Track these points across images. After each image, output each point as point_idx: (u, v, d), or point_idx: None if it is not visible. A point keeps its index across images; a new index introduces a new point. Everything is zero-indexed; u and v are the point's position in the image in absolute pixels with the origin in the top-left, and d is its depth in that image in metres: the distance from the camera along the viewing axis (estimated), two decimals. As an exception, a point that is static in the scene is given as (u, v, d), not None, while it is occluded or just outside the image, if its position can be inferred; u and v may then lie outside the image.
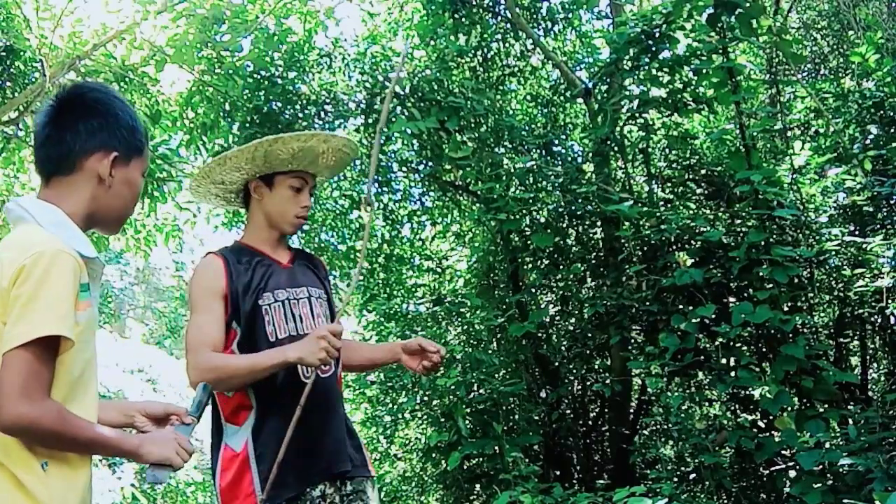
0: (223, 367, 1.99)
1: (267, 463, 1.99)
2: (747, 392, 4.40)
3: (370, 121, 6.05)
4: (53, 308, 1.39)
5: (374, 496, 2.18)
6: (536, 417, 5.57)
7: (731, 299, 4.36)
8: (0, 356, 1.38)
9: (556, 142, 6.19)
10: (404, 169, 6.76)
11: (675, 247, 4.78)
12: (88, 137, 1.55)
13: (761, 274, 3.96)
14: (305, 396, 1.98)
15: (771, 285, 3.93)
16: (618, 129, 5.26)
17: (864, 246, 4.25)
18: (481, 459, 4.87)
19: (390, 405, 7.12)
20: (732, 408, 4.67)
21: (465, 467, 5.01)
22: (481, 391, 4.77)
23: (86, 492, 1.51)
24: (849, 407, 4.16)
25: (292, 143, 2.14)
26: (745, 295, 4.26)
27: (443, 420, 4.84)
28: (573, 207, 5.23)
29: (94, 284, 1.56)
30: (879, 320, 4.76)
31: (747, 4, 4.22)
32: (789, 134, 5.33)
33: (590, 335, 5.61)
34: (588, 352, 5.71)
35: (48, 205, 1.52)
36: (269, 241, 2.22)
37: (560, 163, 5.78)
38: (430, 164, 6.07)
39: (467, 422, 4.64)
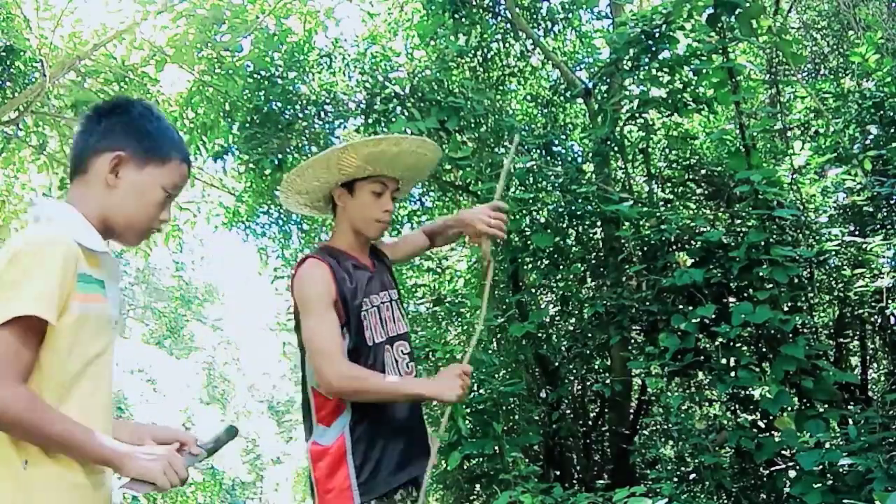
0: (366, 381, 2.04)
1: (360, 459, 2.05)
2: (747, 392, 4.40)
3: (370, 121, 6.05)
4: (34, 290, 1.34)
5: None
6: (536, 417, 5.57)
7: (731, 299, 4.36)
8: None
9: (556, 142, 6.19)
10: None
11: (675, 247, 4.78)
12: (101, 138, 1.57)
13: (761, 274, 3.95)
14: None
15: (771, 285, 3.93)
16: (618, 129, 5.26)
17: (864, 246, 4.25)
18: (481, 459, 4.87)
19: (390, 405, 7.08)
20: (732, 408, 4.66)
21: (465, 467, 5.01)
22: (481, 391, 4.76)
23: (80, 495, 1.46)
24: (849, 407, 4.16)
25: (362, 149, 2.15)
26: (745, 295, 4.26)
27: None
28: (573, 207, 5.22)
29: (109, 282, 1.53)
30: (879, 320, 4.76)
31: (747, 4, 4.22)
32: (789, 134, 5.34)
33: (590, 335, 5.61)
34: (588, 352, 5.70)
35: (64, 205, 1.54)
36: (356, 245, 2.26)
37: (560, 163, 5.77)
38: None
39: (467, 422, 4.64)
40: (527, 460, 4.80)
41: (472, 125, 5.68)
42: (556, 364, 5.77)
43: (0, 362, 1.31)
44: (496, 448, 4.50)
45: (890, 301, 4.20)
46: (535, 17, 6.64)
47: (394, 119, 5.61)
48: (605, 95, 5.53)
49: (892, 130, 4.69)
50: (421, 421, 2.26)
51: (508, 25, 6.50)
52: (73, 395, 1.44)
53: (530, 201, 5.19)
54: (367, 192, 2.22)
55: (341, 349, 2.07)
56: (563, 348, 5.96)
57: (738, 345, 4.25)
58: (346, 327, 2.12)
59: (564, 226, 5.56)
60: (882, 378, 5.38)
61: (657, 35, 4.76)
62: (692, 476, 4.29)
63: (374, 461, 2.05)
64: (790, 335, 3.91)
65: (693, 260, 4.50)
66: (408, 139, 2.26)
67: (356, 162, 2.16)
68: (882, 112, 4.72)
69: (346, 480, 2.04)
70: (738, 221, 4.73)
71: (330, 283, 2.12)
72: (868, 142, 4.74)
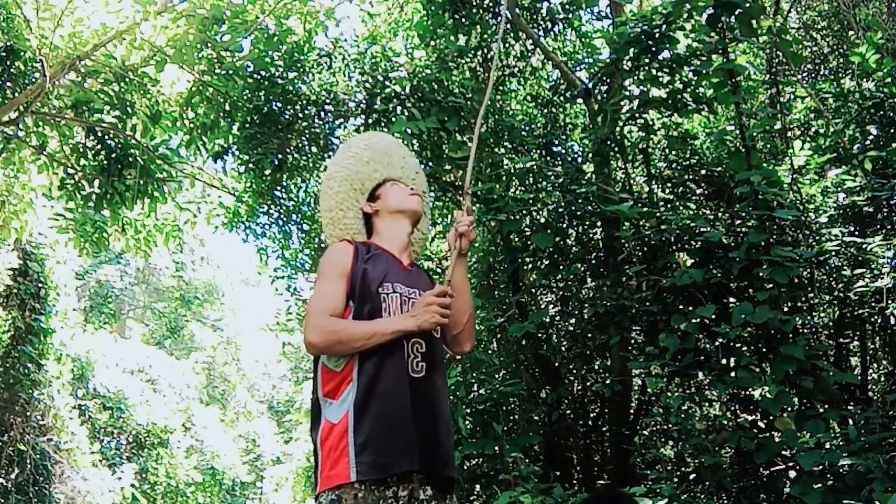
0: (343, 331, 2.10)
1: (363, 437, 2.04)
2: (747, 392, 4.40)
3: (370, 121, 6.05)
4: None
5: None
6: (536, 417, 5.57)
7: (731, 299, 4.36)
8: None
9: (556, 142, 6.19)
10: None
11: (675, 247, 4.78)
12: None
13: (761, 274, 3.95)
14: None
15: (771, 285, 3.93)
16: (618, 129, 5.26)
17: (864, 246, 4.24)
18: (481, 459, 4.86)
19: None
20: (732, 408, 4.66)
21: (465, 467, 5.00)
22: (481, 391, 4.76)
23: None
24: (849, 407, 4.16)
25: (343, 180, 2.41)
26: (745, 295, 4.26)
27: (443, 420, 4.83)
28: (573, 207, 5.22)
29: None
30: (879, 320, 4.75)
31: (747, 4, 4.22)
32: (789, 134, 5.33)
33: (590, 335, 5.60)
34: (588, 352, 5.70)
35: None
36: (395, 243, 2.36)
37: (560, 163, 5.77)
38: (430, 164, 6.07)
39: (467, 422, 4.64)
40: (527, 460, 4.80)
41: (473, 125, 5.68)
42: (556, 364, 5.77)
43: None
44: (496, 448, 4.50)
45: (890, 301, 4.19)
46: (535, 17, 6.64)
47: (394, 119, 5.61)
48: (605, 95, 5.53)
49: (892, 131, 4.69)
50: (443, 413, 2.19)
51: (508, 26, 6.50)
52: None
53: (530, 201, 5.19)
54: (387, 186, 2.42)
55: (332, 308, 2.13)
56: (563, 348, 5.96)
57: (738, 345, 4.25)
58: (352, 300, 2.17)
59: (564, 226, 5.56)
60: (882, 378, 5.38)
61: (657, 35, 4.76)
62: (692, 476, 4.29)
63: (374, 443, 2.03)
64: (790, 335, 3.91)
65: (693, 260, 4.50)
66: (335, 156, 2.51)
67: (351, 188, 2.41)
68: (882, 112, 4.72)
69: (346, 458, 2.03)
70: (738, 221, 4.73)
71: (348, 258, 2.21)
72: (868, 142, 4.74)
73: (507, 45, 6.64)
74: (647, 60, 4.88)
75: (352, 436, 2.05)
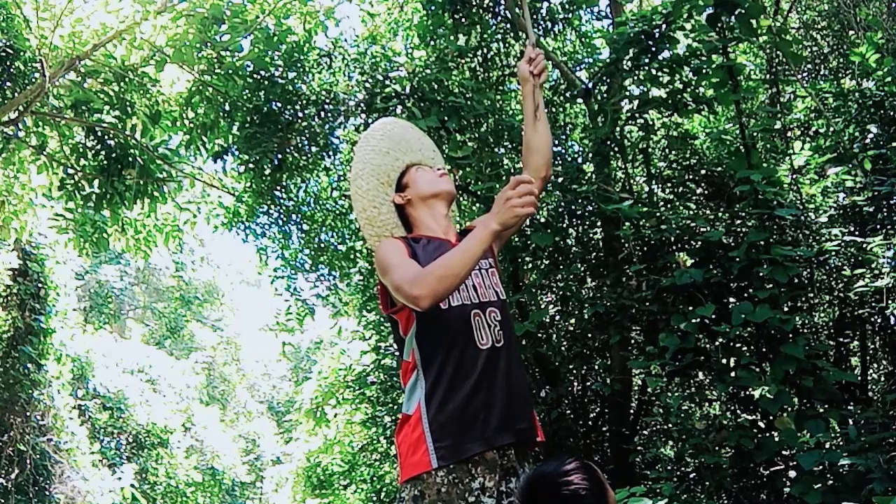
0: (439, 267, 1.96)
1: (438, 422, 2.03)
2: (747, 392, 4.40)
3: (370, 120, 6.05)
4: None
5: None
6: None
7: (731, 299, 4.36)
8: None
9: (556, 142, 6.19)
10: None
11: (675, 247, 4.78)
12: None
13: (761, 274, 3.95)
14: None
15: (771, 285, 3.93)
16: (618, 129, 5.26)
17: (864, 246, 4.24)
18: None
19: (390, 405, 7.12)
20: (732, 408, 4.66)
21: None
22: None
23: None
24: (849, 407, 4.16)
25: (372, 162, 2.33)
26: (745, 295, 4.26)
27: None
28: (573, 207, 5.22)
29: None
30: (879, 320, 4.76)
31: (747, 4, 4.22)
32: (789, 134, 5.33)
33: (590, 335, 5.60)
34: (588, 352, 5.70)
35: None
36: (437, 228, 2.28)
37: (560, 163, 5.77)
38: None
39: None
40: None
41: (472, 125, 5.68)
42: (556, 364, 5.77)
43: None
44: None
45: (890, 301, 4.19)
46: (535, 17, 6.63)
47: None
48: (605, 95, 5.53)
49: (892, 130, 4.69)
50: (520, 383, 2.15)
51: (508, 25, 6.50)
52: None
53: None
54: (413, 172, 2.34)
55: (415, 266, 2.04)
56: (563, 348, 5.96)
57: (738, 345, 4.25)
58: None
59: (564, 225, 5.56)
60: (882, 378, 5.38)
61: (657, 35, 4.76)
62: (692, 476, 4.29)
63: (449, 427, 2.01)
64: (790, 335, 3.91)
65: (693, 260, 4.50)
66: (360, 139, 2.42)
67: (379, 172, 2.32)
68: (882, 112, 4.72)
69: (424, 445, 2.01)
70: (738, 221, 4.73)
71: (402, 246, 2.16)
72: (868, 142, 4.74)
73: (507, 44, 6.64)
74: (647, 60, 4.88)
75: (426, 422, 2.03)
